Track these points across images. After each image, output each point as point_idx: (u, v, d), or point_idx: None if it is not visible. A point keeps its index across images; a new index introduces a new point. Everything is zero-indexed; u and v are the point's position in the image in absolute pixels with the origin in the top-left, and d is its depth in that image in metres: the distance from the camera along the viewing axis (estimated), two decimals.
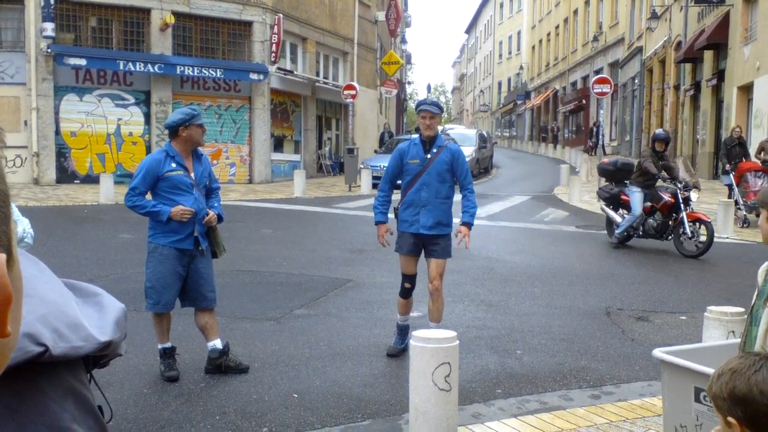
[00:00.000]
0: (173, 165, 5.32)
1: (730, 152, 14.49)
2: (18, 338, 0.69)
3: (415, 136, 6.08)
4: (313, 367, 5.66)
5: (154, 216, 5.28)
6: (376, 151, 26.67)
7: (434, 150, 5.86)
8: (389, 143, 26.99)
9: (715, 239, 12.51)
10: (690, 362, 3.15)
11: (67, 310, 0.75)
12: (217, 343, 5.45)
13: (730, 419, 1.66)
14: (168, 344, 5.41)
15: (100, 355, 0.84)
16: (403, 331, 6.06)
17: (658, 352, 3.34)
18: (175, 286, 5.35)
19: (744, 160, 14.16)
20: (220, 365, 5.43)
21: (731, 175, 14.00)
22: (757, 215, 2.63)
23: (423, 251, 5.98)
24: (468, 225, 5.91)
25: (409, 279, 5.98)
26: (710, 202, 17.14)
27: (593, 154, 35.28)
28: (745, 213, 13.61)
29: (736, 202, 13.59)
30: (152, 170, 5.30)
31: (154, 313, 5.39)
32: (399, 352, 5.96)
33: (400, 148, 5.96)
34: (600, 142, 26.84)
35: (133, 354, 5.78)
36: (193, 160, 5.47)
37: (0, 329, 0.61)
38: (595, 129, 36.49)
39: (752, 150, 15.19)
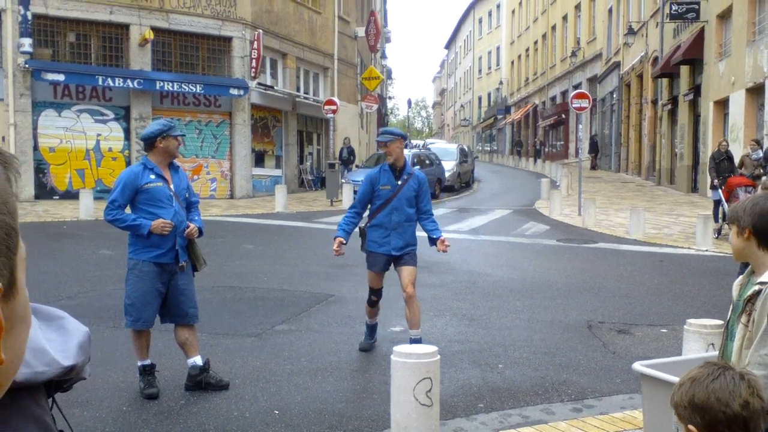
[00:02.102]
0: (152, 177, 5.29)
1: (719, 166, 14.15)
2: (19, 367, 0.69)
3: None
4: (294, 383, 5.62)
5: (135, 230, 5.23)
6: (357, 166, 26.69)
7: (404, 176, 6.22)
8: (371, 158, 27.04)
9: (695, 252, 12.67)
10: (669, 375, 3.17)
11: (30, 335, 0.74)
12: (198, 360, 5.40)
13: (690, 427, 1.69)
14: (147, 361, 5.35)
15: (63, 380, 0.83)
16: (372, 329, 6.59)
17: (638, 366, 3.35)
18: (154, 303, 5.31)
19: (733, 174, 13.75)
20: (201, 382, 5.38)
21: (720, 190, 13.69)
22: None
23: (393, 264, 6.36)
24: (442, 238, 6.27)
25: (376, 293, 6.41)
26: (690, 215, 17.32)
27: (595, 167, 35.73)
28: (721, 224, 13.70)
29: (724, 217, 13.42)
30: (131, 183, 5.26)
31: (134, 330, 5.33)
32: (370, 346, 6.53)
33: (371, 175, 6.25)
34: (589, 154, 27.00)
35: (113, 371, 5.72)
36: (171, 172, 5.44)
37: None
38: (591, 142, 36.93)
39: None
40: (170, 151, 5.38)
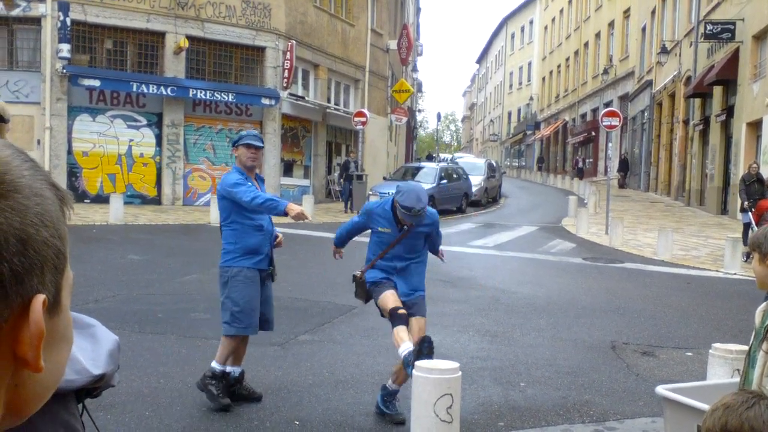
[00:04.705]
0: (249, 183, 5.33)
1: (749, 189, 14.01)
2: (59, 383, 0.73)
3: (389, 196, 5.54)
4: (315, 395, 5.65)
5: (272, 208, 5.08)
6: (385, 178, 26.77)
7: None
8: (398, 171, 27.12)
9: (723, 275, 12.51)
10: (693, 400, 3.14)
11: None
12: (236, 371, 5.44)
13: None
14: (239, 369, 5.40)
15: (93, 387, 0.86)
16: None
17: (661, 389, 3.33)
18: (258, 308, 5.38)
19: (763, 197, 13.57)
20: (233, 392, 5.42)
21: (750, 213, 13.56)
22: None
23: None
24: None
25: (398, 308, 5.13)
26: (718, 237, 17.11)
27: (624, 186, 35.48)
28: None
29: None
30: (235, 180, 5.26)
31: (234, 336, 5.32)
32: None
33: (372, 210, 5.37)
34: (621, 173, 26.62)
35: (136, 377, 5.79)
36: (258, 182, 5.50)
37: (34, 363, 0.66)
38: (621, 160, 36.63)
39: None
40: (241, 160, 5.33)
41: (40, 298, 0.66)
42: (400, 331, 5.02)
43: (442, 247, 5.71)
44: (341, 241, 5.80)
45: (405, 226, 5.25)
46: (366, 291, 5.43)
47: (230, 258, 5.32)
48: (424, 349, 4.81)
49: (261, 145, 5.40)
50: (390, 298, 5.17)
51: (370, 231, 5.47)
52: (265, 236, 5.33)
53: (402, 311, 5.11)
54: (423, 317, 5.32)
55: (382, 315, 5.34)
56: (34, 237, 0.66)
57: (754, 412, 1.68)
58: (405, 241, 5.30)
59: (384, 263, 5.35)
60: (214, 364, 5.32)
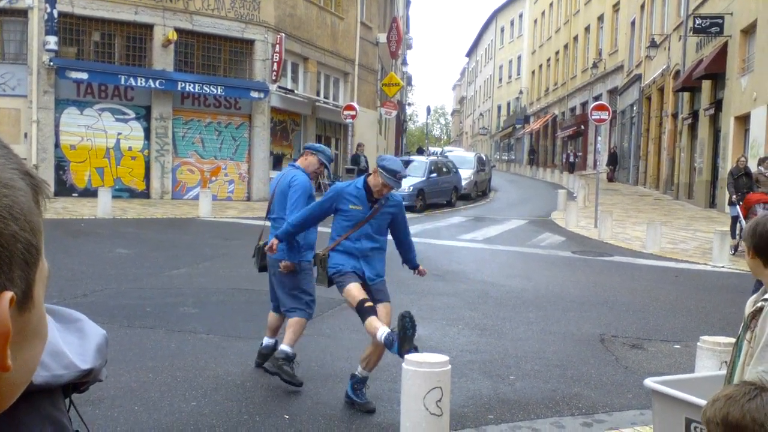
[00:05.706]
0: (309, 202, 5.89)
1: (737, 182, 14.11)
2: (30, 378, 0.71)
3: (360, 178, 5.50)
4: (304, 389, 5.64)
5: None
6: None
7: (381, 200, 5.32)
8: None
9: (711, 268, 12.58)
10: (681, 393, 3.15)
11: (48, 337, 0.76)
12: (271, 342, 6.05)
13: None
14: (275, 339, 6.06)
15: (81, 382, 0.85)
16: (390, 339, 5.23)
17: (650, 382, 3.34)
18: None
19: (751, 190, 13.68)
20: (267, 356, 5.85)
21: (738, 206, 13.68)
22: None
23: None
24: (419, 265, 5.70)
25: (365, 300, 5.16)
26: (707, 230, 17.19)
27: (613, 180, 35.58)
28: (739, 240, 13.59)
29: (741, 234, 13.38)
30: (308, 190, 5.89)
31: (306, 320, 5.90)
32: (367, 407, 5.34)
33: (340, 189, 5.36)
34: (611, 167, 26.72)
35: (125, 371, 5.77)
36: None
37: (1, 363, 0.64)
38: (609, 154, 36.73)
39: None
40: (314, 167, 6.02)
41: (6, 296, 0.64)
42: (373, 321, 5.05)
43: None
44: (299, 227, 5.51)
45: (376, 205, 5.30)
46: (327, 274, 5.37)
47: (305, 253, 5.89)
48: (407, 324, 4.87)
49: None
50: (354, 291, 5.18)
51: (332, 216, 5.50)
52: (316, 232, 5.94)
53: (369, 304, 5.13)
54: (388, 302, 5.40)
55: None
56: (2, 231, 0.63)
57: (755, 403, 1.68)
58: (373, 221, 5.32)
59: (350, 244, 5.30)
60: (286, 348, 5.61)
